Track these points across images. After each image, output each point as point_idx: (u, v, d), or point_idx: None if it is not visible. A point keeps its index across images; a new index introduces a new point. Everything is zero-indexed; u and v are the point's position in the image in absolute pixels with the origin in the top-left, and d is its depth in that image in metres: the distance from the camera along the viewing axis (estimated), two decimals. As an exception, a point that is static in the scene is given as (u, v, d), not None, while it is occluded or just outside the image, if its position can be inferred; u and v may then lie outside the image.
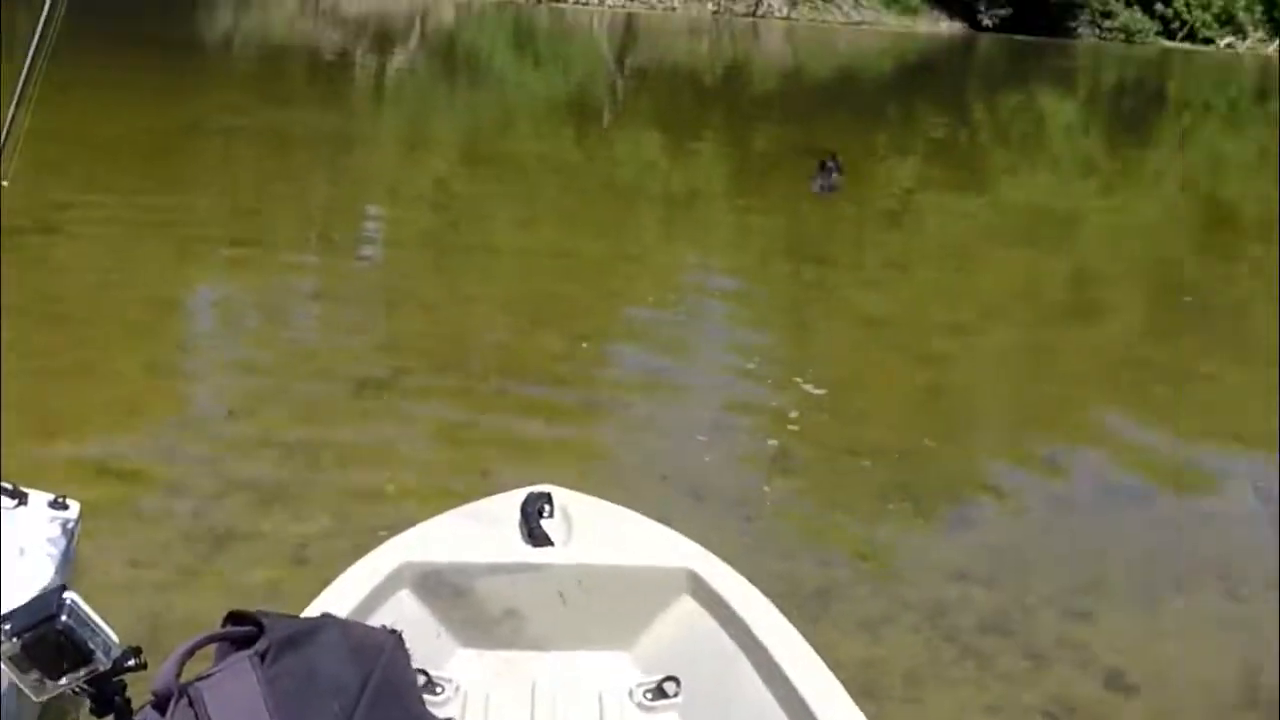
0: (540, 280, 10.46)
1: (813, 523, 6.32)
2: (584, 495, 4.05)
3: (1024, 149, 23.69)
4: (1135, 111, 33.19)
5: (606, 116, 22.47)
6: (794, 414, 7.74)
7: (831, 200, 14.77)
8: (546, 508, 3.87)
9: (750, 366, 8.78)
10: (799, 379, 8.31)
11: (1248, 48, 56.38)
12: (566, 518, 3.87)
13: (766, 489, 6.67)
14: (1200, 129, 30.90)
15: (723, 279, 11.53)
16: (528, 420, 7.32)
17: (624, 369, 8.53)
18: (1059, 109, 31.45)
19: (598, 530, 3.87)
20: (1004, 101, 31.34)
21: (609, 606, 3.78)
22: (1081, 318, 11.18)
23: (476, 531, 3.84)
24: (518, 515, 3.85)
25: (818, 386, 8.20)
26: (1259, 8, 57.36)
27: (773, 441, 7.33)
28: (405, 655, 3.18)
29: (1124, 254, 14.40)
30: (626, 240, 12.51)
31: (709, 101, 26.28)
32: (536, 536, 3.78)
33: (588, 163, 16.99)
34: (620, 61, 32.84)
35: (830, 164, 15.42)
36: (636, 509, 4.12)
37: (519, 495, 3.91)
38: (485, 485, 5.76)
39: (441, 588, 3.71)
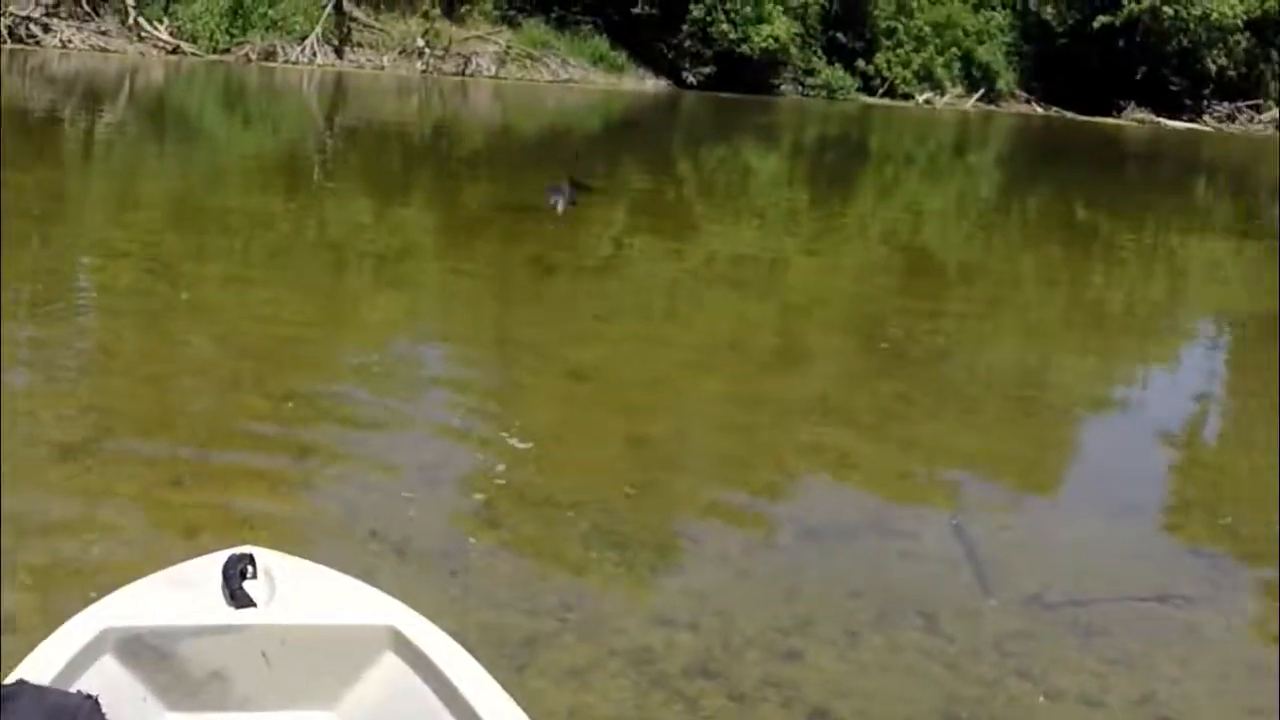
0: (248, 338, 10.34)
1: (518, 574, 6.33)
2: (286, 555, 4.06)
3: (730, 202, 24.01)
4: (838, 165, 33.85)
5: (316, 175, 22.32)
6: (500, 467, 7.76)
7: (544, 248, 14.92)
8: (249, 569, 3.86)
9: (456, 422, 8.80)
10: (505, 433, 8.34)
11: (946, 103, 57.92)
12: (269, 578, 3.87)
13: (473, 541, 6.67)
14: (902, 181, 31.61)
15: (431, 335, 11.53)
16: (234, 479, 7.23)
17: (331, 426, 8.44)
18: (763, 163, 31.98)
19: (300, 590, 3.87)
20: (709, 156, 31.75)
21: (313, 666, 3.78)
22: (785, 366, 11.38)
23: (178, 594, 3.82)
24: (219, 577, 3.83)
25: (523, 440, 8.23)
26: (956, 65, 58.97)
27: (479, 495, 7.35)
28: (101, 719, 3.16)
29: (827, 303, 14.70)
30: (336, 297, 12.45)
31: (418, 160, 26.29)
32: (239, 598, 3.77)
33: (297, 221, 16.83)
34: (330, 120, 32.68)
35: (566, 186, 15.60)
36: (343, 566, 4.13)
37: (221, 557, 3.90)
38: (191, 546, 5.70)
39: (145, 652, 3.67)
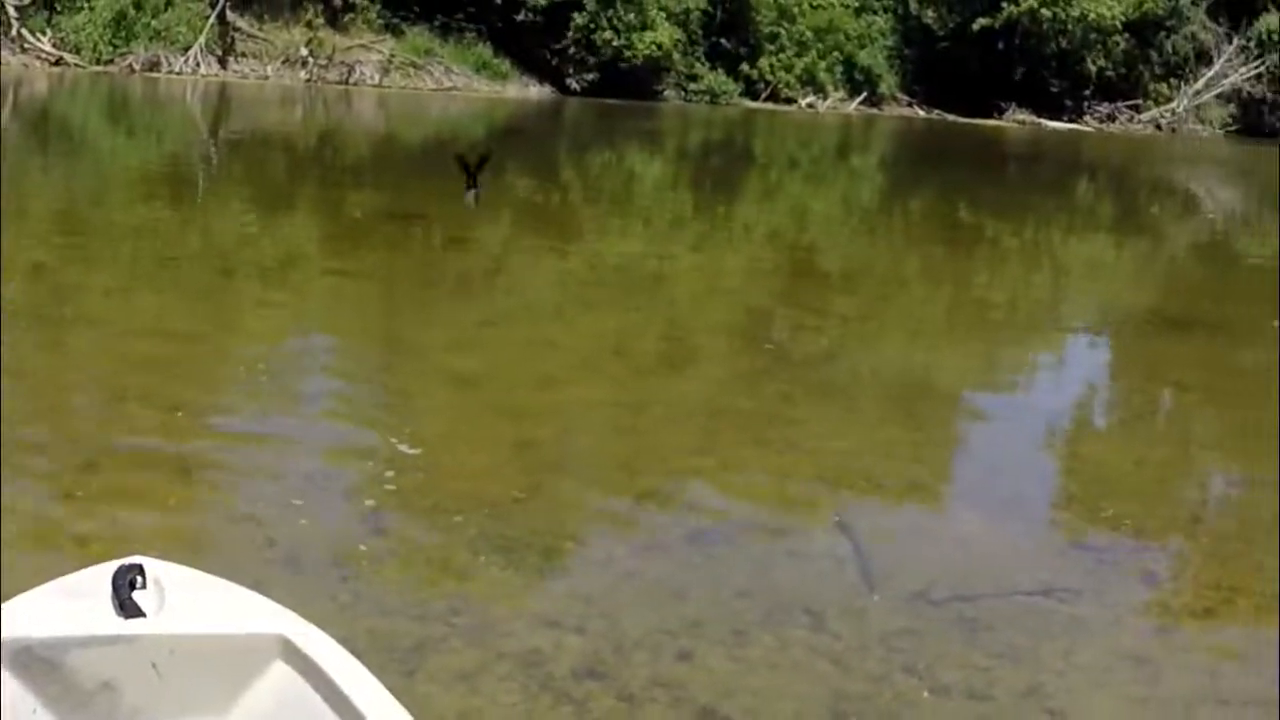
0: (135, 349, 10.29)
1: (407, 580, 6.35)
2: (176, 565, 4.04)
3: (615, 207, 24.08)
4: (722, 169, 33.93)
5: (201, 186, 22.20)
6: (389, 474, 7.76)
7: (429, 256, 14.97)
8: (138, 579, 3.83)
9: (345, 429, 8.80)
10: (393, 439, 8.34)
11: (829, 107, 58.20)
12: (159, 588, 3.84)
13: (363, 548, 6.67)
14: (786, 185, 31.75)
15: (319, 344, 11.48)
16: (124, 491, 7.21)
17: (220, 436, 8.42)
18: (648, 168, 32.04)
19: (190, 600, 3.86)
20: (593, 161, 31.84)
21: (203, 675, 3.77)
22: (671, 369, 11.42)
23: (68, 605, 3.79)
24: (109, 587, 3.80)
25: (412, 446, 8.24)
26: (839, 69, 59.29)
27: (369, 501, 7.35)
28: (-8, 731, 3.16)
29: (713, 306, 14.76)
30: (222, 307, 12.37)
31: (303, 170, 26.16)
32: (128, 608, 3.74)
33: (182, 232, 16.74)
34: (214, 131, 32.49)
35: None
36: (234, 574, 4.13)
37: (110, 567, 3.87)
38: (84, 555, 5.68)
39: (34, 663, 3.65)
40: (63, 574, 4.00)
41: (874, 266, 18.98)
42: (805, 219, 25.10)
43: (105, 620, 3.74)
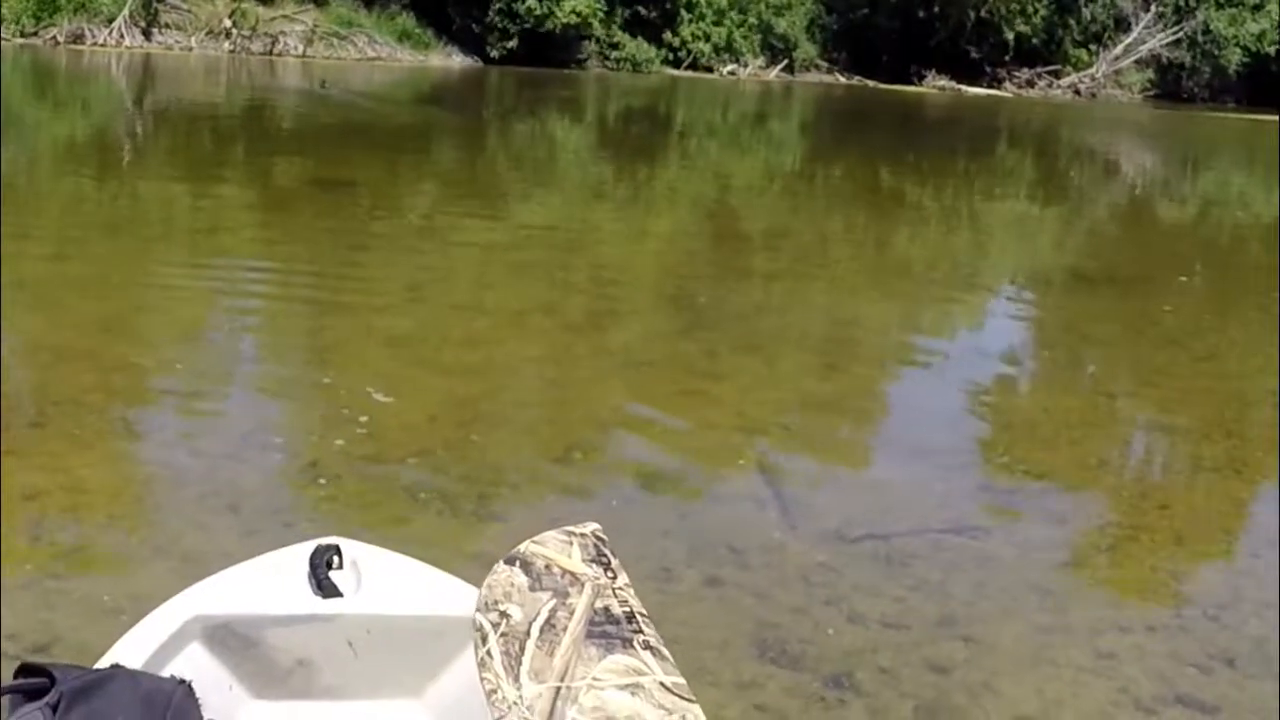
0: (74, 313, 10.45)
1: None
2: (373, 546, 4.11)
3: (538, 173, 24.22)
4: (644, 136, 34.07)
5: (128, 156, 22.23)
6: (330, 432, 7.94)
7: (356, 222, 15.09)
8: (335, 559, 3.93)
9: (280, 389, 8.97)
10: (328, 400, 8.58)
11: (749, 74, 58.42)
12: (355, 568, 3.93)
13: (321, 482, 6.92)
14: (708, 151, 31.93)
15: (252, 308, 11.51)
16: (67, 457, 7.34)
17: (181, 395, 8.60)
18: (569, 135, 32.17)
19: (386, 580, 3.93)
20: (516, 129, 31.94)
21: (400, 656, 3.86)
22: (597, 326, 11.59)
23: (265, 583, 3.88)
24: (306, 566, 3.90)
25: (364, 400, 8.51)
26: (757, 37, 59.51)
27: (310, 457, 7.58)
28: (194, 704, 3.28)
29: (639, 268, 14.97)
30: (152, 274, 12.44)
31: (228, 139, 26.12)
32: (325, 587, 3.83)
33: (111, 202, 16.84)
34: (140, 102, 32.40)
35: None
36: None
37: (307, 547, 3.97)
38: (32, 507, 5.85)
39: (231, 639, 3.76)
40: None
41: (797, 228, 19.17)
42: (728, 183, 25.28)
43: (302, 599, 3.81)
